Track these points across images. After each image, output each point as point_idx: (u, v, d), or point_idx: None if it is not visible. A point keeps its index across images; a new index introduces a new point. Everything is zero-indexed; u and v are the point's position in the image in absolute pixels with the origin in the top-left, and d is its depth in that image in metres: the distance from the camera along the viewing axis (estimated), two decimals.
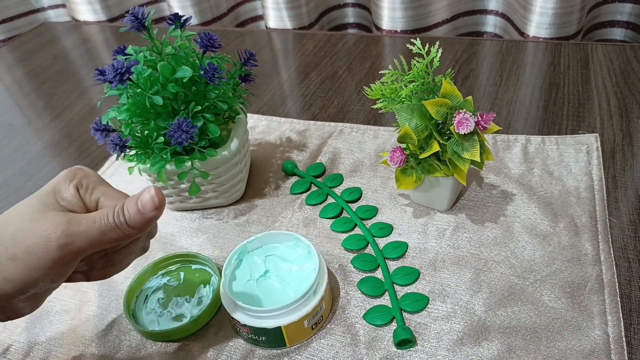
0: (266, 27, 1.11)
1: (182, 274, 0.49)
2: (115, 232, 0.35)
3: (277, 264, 0.45)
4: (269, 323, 0.41)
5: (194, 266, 0.50)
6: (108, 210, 0.35)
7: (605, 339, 0.40)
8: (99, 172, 0.66)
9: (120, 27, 0.50)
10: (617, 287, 0.43)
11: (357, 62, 0.83)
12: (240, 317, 0.41)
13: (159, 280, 0.48)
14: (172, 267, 0.50)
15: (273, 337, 0.41)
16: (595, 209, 0.51)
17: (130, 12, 0.49)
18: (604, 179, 0.54)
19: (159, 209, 0.36)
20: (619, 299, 0.43)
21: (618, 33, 0.98)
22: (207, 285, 0.47)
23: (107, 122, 0.50)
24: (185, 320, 0.44)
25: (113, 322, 0.47)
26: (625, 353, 0.39)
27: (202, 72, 0.49)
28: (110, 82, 0.46)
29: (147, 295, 0.47)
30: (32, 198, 0.36)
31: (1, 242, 0.34)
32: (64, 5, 1.26)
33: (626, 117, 0.63)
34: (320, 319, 0.43)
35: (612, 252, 0.46)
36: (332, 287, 0.47)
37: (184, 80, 0.49)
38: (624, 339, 0.40)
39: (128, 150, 0.49)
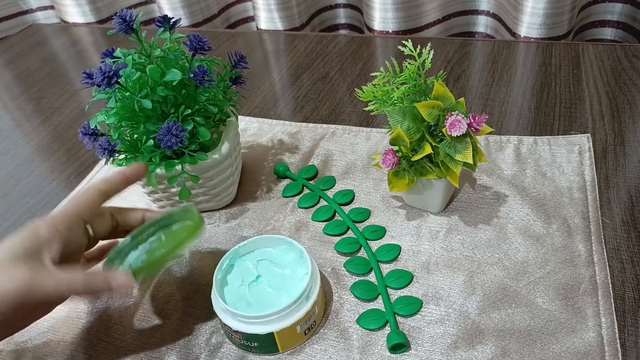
0: (257, 28, 1.10)
1: (162, 235, 0.45)
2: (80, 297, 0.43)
3: (269, 268, 0.45)
4: (261, 329, 0.40)
5: (173, 227, 0.45)
6: (75, 280, 0.38)
7: (600, 341, 0.40)
8: (88, 177, 0.65)
9: (110, 29, 0.49)
10: (610, 289, 0.43)
11: (349, 63, 0.83)
12: (232, 323, 0.41)
13: (139, 252, 0.44)
14: (150, 232, 0.45)
15: (265, 343, 0.41)
16: (588, 210, 0.50)
17: (118, 14, 0.48)
18: (596, 179, 0.54)
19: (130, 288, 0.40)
20: (612, 300, 0.42)
21: (609, 33, 0.99)
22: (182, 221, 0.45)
23: (96, 126, 0.50)
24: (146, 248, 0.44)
25: (102, 330, 0.46)
26: (620, 355, 0.39)
27: (191, 75, 0.49)
28: (98, 86, 0.45)
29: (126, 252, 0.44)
30: (9, 244, 0.38)
31: None
32: (52, 7, 1.24)
33: (618, 117, 0.63)
34: (313, 324, 0.43)
35: (605, 253, 0.46)
36: (325, 291, 0.46)
37: (174, 84, 0.48)
38: (618, 341, 0.40)
39: (117, 155, 0.48)
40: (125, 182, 0.44)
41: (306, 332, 0.42)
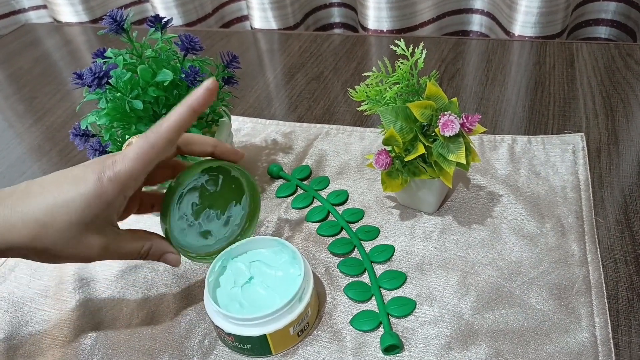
0: (251, 27, 1.10)
1: (220, 177, 0.46)
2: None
3: (262, 270, 0.45)
4: (254, 331, 0.40)
5: (232, 172, 0.47)
6: (143, 250, 0.41)
7: (593, 341, 0.40)
8: None
9: (103, 28, 0.49)
10: (604, 288, 0.43)
11: (343, 63, 0.82)
12: (225, 325, 0.41)
13: (198, 178, 0.45)
14: (213, 165, 0.45)
15: (258, 345, 0.41)
16: (582, 209, 0.50)
17: (108, 14, 0.48)
18: (590, 179, 0.54)
19: None
20: (606, 300, 0.42)
21: (602, 31, 0.99)
22: (238, 205, 0.47)
23: (87, 126, 0.49)
24: (210, 239, 0.46)
25: (94, 331, 0.46)
26: (613, 355, 0.39)
27: (183, 76, 0.48)
28: (89, 87, 0.45)
29: (183, 193, 0.44)
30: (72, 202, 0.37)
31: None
32: (45, 7, 1.23)
33: (611, 116, 0.63)
34: (307, 325, 0.43)
35: (598, 253, 0.46)
36: (318, 292, 0.46)
37: (165, 84, 0.48)
38: (611, 341, 0.39)
39: None
40: (194, 116, 0.39)
41: (299, 333, 0.42)
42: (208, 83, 0.38)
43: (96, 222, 0.37)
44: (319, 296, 0.46)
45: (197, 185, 0.45)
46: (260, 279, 0.44)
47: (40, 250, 0.37)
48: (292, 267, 0.44)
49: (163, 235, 0.43)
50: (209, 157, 0.44)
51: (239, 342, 0.41)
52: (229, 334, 0.41)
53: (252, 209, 0.48)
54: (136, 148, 0.37)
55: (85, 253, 0.38)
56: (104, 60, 0.50)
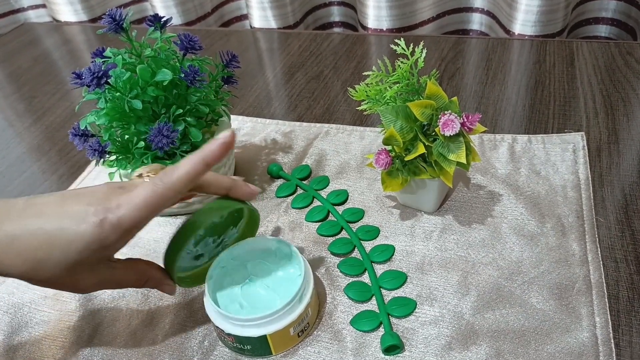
0: (251, 26, 1.09)
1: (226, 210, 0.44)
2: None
3: (262, 269, 0.45)
4: (254, 332, 0.40)
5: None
6: (129, 279, 0.41)
7: (594, 341, 0.40)
8: (80, 178, 0.64)
9: (102, 28, 0.49)
10: (604, 288, 0.43)
11: (343, 62, 0.82)
12: (225, 325, 0.40)
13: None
14: (235, 208, 0.44)
15: (258, 346, 0.41)
16: (582, 209, 0.50)
17: (107, 13, 0.47)
18: (590, 178, 0.54)
19: None
20: (606, 299, 0.42)
21: (603, 30, 0.99)
22: (234, 228, 0.45)
23: (86, 126, 0.49)
24: (201, 260, 0.44)
25: (94, 333, 0.45)
26: (614, 355, 0.39)
27: (182, 75, 0.48)
28: (88, 86, 0.45)
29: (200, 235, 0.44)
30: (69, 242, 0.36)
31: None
32: (44, 6, 1.23)
33: (612, 115, 0.63)
34: (307, 326, 0.42)
35: (599, 252, 0.46)
36: (318, 292, 0.46)
37: (164, 84, 0.48)
38: (612, 341, 0.39)
39: (107, 156, 0.48)
40: (206, 169, 0.38)
41: (299, 334, 0.42)
42: (225, 137, 0.37)
43: (92, 262, 0.37)
44: (319, 296, 0.46)
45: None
46: (260, 279, 0.44)
47: (34, 280, 0.37)
48: (292, 267, 0.44)
49: (162, 264, 0.42)
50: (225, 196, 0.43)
51: (239, 343, 0.41)
52: (229, 335, 0.40)
53: (246, 233, 0.46)
54: (143, 195, 0.36)
55: (79, 286, 0.38)
56: (103, 60, 0.49)
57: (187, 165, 0.37)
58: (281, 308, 0.40)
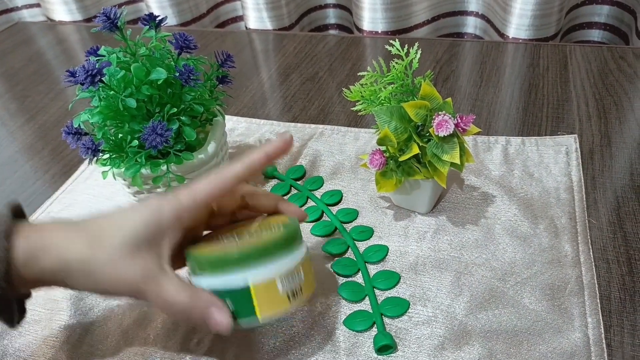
0: (246, 27, 1.10)
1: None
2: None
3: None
4: (234, 280, 0.35)
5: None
6: (178, 297, 0.36)
7: (586, 341, 0.40)
8: (73, 177, 0.64)
9: (96, 27, 0.48)
10: (596, 289, 0.43)
11: (338, 64, 0.82)
12: (202, 282, 0.36)
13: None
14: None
15: (240, 300, 0.35)
16: (575, 210, 0.51)
17: (102, 12, 0.47)
18: (583, 180, 0.54)
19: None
20: (598, 300, 0.42)
21: (596, 34, 0.99)
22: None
23: (79, 125, 0.49)
24: None
25: (85, 332, 0.45)
26: (605, 355, 0.39)
27: (177, 74, 0.48)
28: (82, 84, 0.45)
29: None
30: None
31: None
32: (38, 5, 1.23)
33: (604, 118, 0.63)
34: (298, 290, 0.37)
35: (591, 254, 0.46)
36: (315, 271, 0.43)
37: (159, 82, 0.47)
38: (604, 341, 0.40)
39: (101, 154, 0.48)
40: (266, 162, 0.40)
41: (290, 296, 0.37)
42: (286, 136, 0.40)
43: (147, 245, 0.35)
44: (315, 295, 0.45)
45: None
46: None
47: (87, 269, 0.35)
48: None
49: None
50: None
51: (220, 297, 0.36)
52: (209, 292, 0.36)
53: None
54: (202, 182, 0.38)
55: (125, 277, 0.35)
56: (97, 58, 0.49)
57: (248, 156, 0.39)
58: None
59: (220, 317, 0.35)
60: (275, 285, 0.36)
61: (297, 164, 0.61)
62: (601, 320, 0.41)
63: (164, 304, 0.36)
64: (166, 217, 0.36)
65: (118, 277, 0.35)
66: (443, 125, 0.44)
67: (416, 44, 0.48)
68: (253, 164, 0.39)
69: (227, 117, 0.70)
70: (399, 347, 0.41)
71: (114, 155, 0.48)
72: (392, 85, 0.48)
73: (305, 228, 0.52)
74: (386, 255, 0.48)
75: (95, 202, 0.59)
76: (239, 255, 0.35)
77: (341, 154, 0.62)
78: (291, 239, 0.38)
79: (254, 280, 0.35)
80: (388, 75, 0.48)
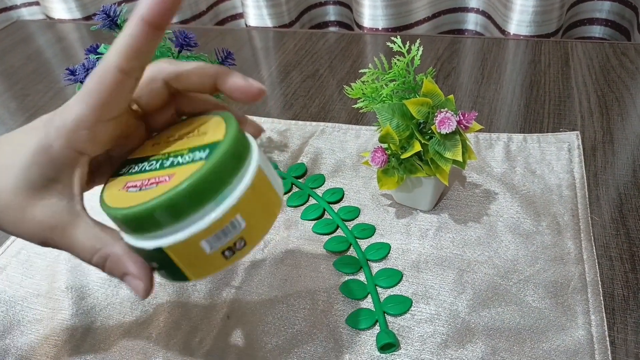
0: (246, 25, 1.09)
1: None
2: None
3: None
4: (146, 243, 0.28)
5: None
6: (87, 243, 0.30)
7: (589, 339, 0.40)
8: None
9: (96, 24, 0.48)
10: (600, 286, 0.43)
11: (339, 61, 0.82)
12: (122, 233, 0.30)
13: None
14: None
15: (164, 263, 0.28)
16: (577, 207, 0.50)
17: (101, 9, 0.47)
18: (585, 177, 0.54)
19: None
20: (602, 297, 0.42)
21: (597, 31, 0.99)
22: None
23: None
24: None
25: (87, 331, 0.45)
26: (609, 353, 0.39)
27: None
28: (81, 83, 0.44)
29: None
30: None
31: None
32: (37, 3, 1.22)
33: (606, 115, 0.63)
34: (241, 243, 0.28)
35: (594, 251, 0.46)
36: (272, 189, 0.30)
37: None
38: (607, 339, 0.39)
39: None
40: (152, 35, 0.27)
41: (226, 253, 0.28)
42: None
43: (44, 186, 0.29)
44: (315, 294, 0.45)
45: None
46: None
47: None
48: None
49: None
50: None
51: (150, 261, 0.29)
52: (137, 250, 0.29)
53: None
54: (86, 86, 0.28)
55: (29, 230, 0.29)
56: (97, 56, 0.49)
57: (122, 34, 0.28)
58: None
59: (134, 284, 0.29)
60: (199, 246, 0.27)
61: (298, 162, 0.61)
62: (604, 318, 0.41)
63: (78, 256, 0.30)
64: (57, 152, 0.28)
65: (22, 227, 0.29)
66: (445, 122, 0.44)
67: (418, 41, 0.48)
68: (134, 39, 0.27)
69: None
70: (401, 345, 0.41)
71: None
72: (394, 83, 0.48)
73: (307, 226, 0.52)
74: (388, 253, 0.48)
75: (95, 200, 0.59)
76: (141, 215, 0.26)
77: (342, 151, 0.62)
78: (218, 176, 0.27)
79: (167, 244, 0.27)
80: (390, 73, 0.48)
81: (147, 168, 0.29)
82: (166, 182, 0.27)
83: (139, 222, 0.27)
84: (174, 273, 0.29)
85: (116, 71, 0.27)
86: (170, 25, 0.28)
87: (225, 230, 0.27)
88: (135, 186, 0.28)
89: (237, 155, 0.28)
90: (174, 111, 0.33)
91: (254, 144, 0.30)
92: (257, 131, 0.34)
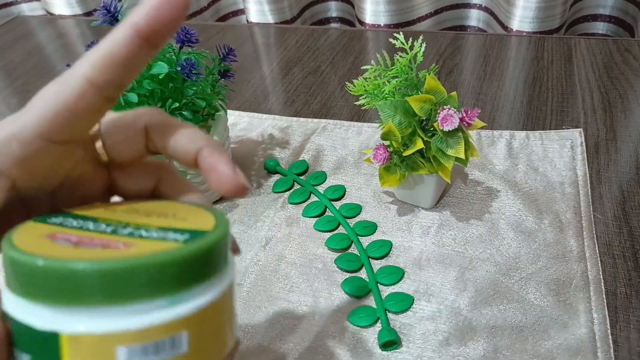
0: (247, 21, 1.09)
1: None
2: None
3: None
4: (38, 317, 0.18)
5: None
6: None
7: (592, 337, 0.39)
8: None
9: (97, 20, 0.48)
10: (602, 284, 0.43)
11: (341, 57, 0.82)
12: (7, 294, 0.20)
13: None
14: None
15: (40, 355, 0.19)
16: (580, 205, 0.50)
17: (102, 4, 0.47)
18: (588, 175, 0.53)
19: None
20: (604, 296, 0.42)
21: (600, 27, 0.99)
22: None
23: None
24: None
25: None
26: (612, 351, 0.39)
27: (179, 68, 0.48)
28: None
29: None
30: None
31: None
32: None
33: (610, 112, 0.63)
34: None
35: (597, 249, 0.46)
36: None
37: (160, 77, 0.47)
38: (610, 337, 0.39)
39: None
40: (140, 49, 0.22)
41: None
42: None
43: None
44: (316, 292, 0.45)
45: None
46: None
47: None
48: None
49: None
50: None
51: (20, 345, 0.19)
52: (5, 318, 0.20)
53: None
54: (40, 98, 0.22)
55: None
56: None
57: (107, 39, 0.22)
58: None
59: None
60: (112, 351, 0.18)
61: (300, 159, 0.61)
62: (607, 316, 0.41)
63: None
64: None
65: None
66: (448, 119, 0.44)
67: (421, 37, 0.48)
68: (116, 44, 0.22)
69: (229, 111, 0.69)
70: (403, 343, 0.41)
71: None
72: (396, 79, 0.48)
73: (309, 223, 0.52)
74: (390, 250, 0.48)
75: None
76: (64, 274, 0.18)
77: (344, 148, 0.61)
78: (194, 269, 0.20)
79: (71, 332, 0.18)
80: (392, 69, 0.48)
81: (91, 228, 0.21)
82: (119, 248, 0.19)
83: (64, 282, 0.18)
84: None
85: (82, 79, 0.21)
86: (164, 44, 0.23)
87: (158, 345, 0.19)
88: (69, 240, 0.20)
89: (217, 258, 0.21)
90: (151, 183, 0.26)
91: (232, 260, 0.23)
92: (235, 249, 0.27)
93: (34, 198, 0.23)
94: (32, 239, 0.20)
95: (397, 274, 0.46)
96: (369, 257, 0.48)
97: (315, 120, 0.67)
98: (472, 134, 0.60)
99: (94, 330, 0.18)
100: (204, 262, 0.20)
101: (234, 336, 0.23)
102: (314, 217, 0.53)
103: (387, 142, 0.47)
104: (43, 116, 0.21)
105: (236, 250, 0.27)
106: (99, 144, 0.25)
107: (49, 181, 0.23)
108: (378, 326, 0.42)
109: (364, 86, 0.49)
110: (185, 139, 0.24)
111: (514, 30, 0.91)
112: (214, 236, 0.21)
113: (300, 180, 0.57)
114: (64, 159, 0.23)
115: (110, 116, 0.25)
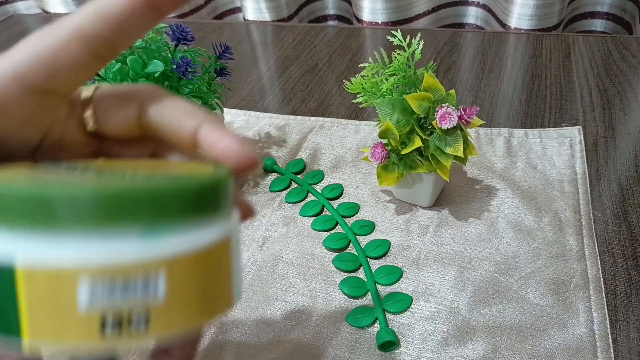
0: (244, 19, 1.08)
1: None
2: None
3: None
4: None
5: None
6: None
7: (591, 337, 0.39)
8: None
9: None
10: (602, 283, 0.43)
11: (338, 55, 0.81)
12: None
13: None
14: None
15: None
16: (579, 203, 0.50)
17: None
18: (587, 173, 0.53)
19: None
20: (604, 295, 0.42)
21: (598, 24, 0.98)
22: None
23: None
24: None
25: None
26: (611, 350, 0.38)
27: (174, 67, 0.47)
28: None
29: None
30: None
31: None
32: None
33: (608, 110, 0.63)
34: (140, 322, 0.17)
35: (596, 247, 0.46)
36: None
37: (156, 75, 0.47)
38: (609, 336, 0.39)
39: None
40: (141, 13, 0.20)
41: (107, 327, 0.16)
42: None
43: None
44: (313, 293, 0.45)
45: None
46: None
47: None
48: None
49: None
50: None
51: None
52: None
53: None
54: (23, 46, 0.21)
55: None
56: None
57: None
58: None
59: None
60: (73, 285, 0.16)
61: (297, 157, 0.60)
62: (607, 315, 0.40)
63: None
64: None
65: None
66: (446, 117, 0.43)
67: (418, 35, 0.47)
68: (113, 1, 0.20)
69: (225, 110, 0.69)
70: (402, 344, 0.40)
71: None
72: (394, 77, 0.47)
73: (306, 222, 0.52)
74: (388, 250, 0.48)
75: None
76: (32, 192, 0.15)
77: (342, 147, 0.61)
78: (164, 202, 0.17)
79: (31, 259, 0.16)
80: (390, 67, 0.47)
81: (77, 172, 0.19)
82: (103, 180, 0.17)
83: (20, 200, 0.15)
84: (3, 320, 0.16)
85: (71, 29, 0.20)
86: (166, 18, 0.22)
87: (129, 283, 0.16)
88: (54, 172, 0.19)
89: (211, 198, 0.18)
90: (148, 150, 0.25)
91: (236, 214, 0.21)
92: (248, 212, 0.25)
93: (15, 154, 0.22)
94: (6, 172, 0.19)
95: (396, 274, 0.45)
96: (367, 257, 0.47)
97: (313, 118, 0.66)
98: (471, 132, 0.60)
99: (55, 258, 0.15)
100: (192, 196, 0.17)
101: (227, 302, 0.20)
102: (311, 216, 0.52)
103: (385, 141, 0.47)
104: (21, 59, 0.20)
105: (248, 211, 0.24)
106: (89, 112, 0.23)
107: (26, 132, 0.22)
108: (376, 327, 0.42)
109: (362, 84, 0.48)
110: (184, 113, 0.22)
111: (512, 27, 0.91)
112: (207, 174, 0.19)
113: (297, 179, 0.57)
114: (43, 111, 0.21)
115: (107, 86, 0.24)
